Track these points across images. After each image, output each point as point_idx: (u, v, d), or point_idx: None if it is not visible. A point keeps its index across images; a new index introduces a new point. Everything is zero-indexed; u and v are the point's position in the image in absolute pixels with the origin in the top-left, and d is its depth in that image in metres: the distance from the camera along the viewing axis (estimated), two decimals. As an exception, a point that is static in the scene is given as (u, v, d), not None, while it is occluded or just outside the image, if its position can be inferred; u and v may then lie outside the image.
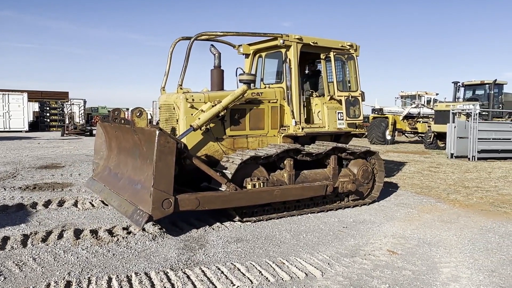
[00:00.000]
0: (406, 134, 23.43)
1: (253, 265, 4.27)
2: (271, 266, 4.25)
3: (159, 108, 6.85)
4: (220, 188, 5.60)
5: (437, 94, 23.97)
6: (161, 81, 6.86)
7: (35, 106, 34.22)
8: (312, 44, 7.02)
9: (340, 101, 7.36)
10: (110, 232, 5.24)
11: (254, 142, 6.76)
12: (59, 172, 10.08)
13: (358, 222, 6.08)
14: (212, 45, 6.98)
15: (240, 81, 6.40)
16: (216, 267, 4.20)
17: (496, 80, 18.80)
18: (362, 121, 7.61)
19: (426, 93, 23.66)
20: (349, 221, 6.12)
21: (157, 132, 4.79)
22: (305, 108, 7.28)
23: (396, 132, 22.55)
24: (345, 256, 4.61)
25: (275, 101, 6.94)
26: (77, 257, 4.38)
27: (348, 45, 7.46)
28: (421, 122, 22.23)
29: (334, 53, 7.27)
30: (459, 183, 9.59)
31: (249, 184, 5.80)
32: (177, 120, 6.20)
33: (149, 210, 4.77)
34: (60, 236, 5.02)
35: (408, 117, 22.48)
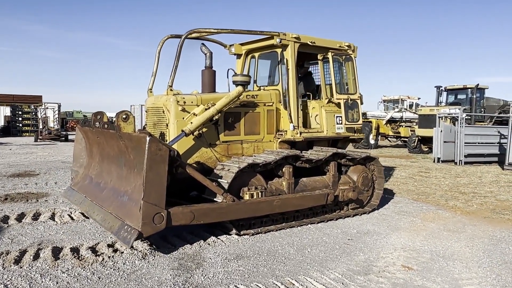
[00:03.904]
0: (389, 138, 23.39)
1: (259, 287, 3.80)
2: (280, 288, 3.79)
3: (146, 111, 6.31)
4: (215, 199, 5.12)
5: (419, 98, 24.10)
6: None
7: (7, 110, 32.72)
8: (310, 43, 6.62)
9: (338, 105, 6.98)
10: (93, 250, 4.66)
11: (249, 148, 6.29)
12: (33, 180, 9.35)
13: (362, 233, 5.68)
14: (203, 43, 6.50)
15: (234, 82, 5.95)
16: (219, 290, 3.71)
17: (478, 84, 18.95)
18: (361, 125, 7.25)
19: (409, 97, 23.74)
20: (352, 232, 5.73)
21: (148, 139, 4.27)
22: (301, 111, 6.86)
23: (379, 136, 22.48)
24: (359, 274, 4.19)
25: (271, 104, 6.51)
26: (57, 282, 3.81)
27: (346, 46, 7.10)
28: (404, 126, 22.23)
29: (332, 54, 6.89)
30: (454, 188, 9.36)
31: (246, 194, 5.33)
32: (167, 125, 5.67)
33: (139, 226, 4.23)
34: (36, 256, 4.41)
35: (391, 121, 22.45)
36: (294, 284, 3.89)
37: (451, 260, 4.66)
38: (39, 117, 27.27)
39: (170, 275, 4.04)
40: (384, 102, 24.73)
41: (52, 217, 6.05)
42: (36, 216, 6.08)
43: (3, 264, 4.18)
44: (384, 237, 5.53)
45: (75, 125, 44.75)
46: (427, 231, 5.84)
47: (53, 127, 26.17)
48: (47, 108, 27.81)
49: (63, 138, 24.38)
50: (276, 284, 3.88)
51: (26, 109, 31.33)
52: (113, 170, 5.37)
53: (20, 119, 31.08)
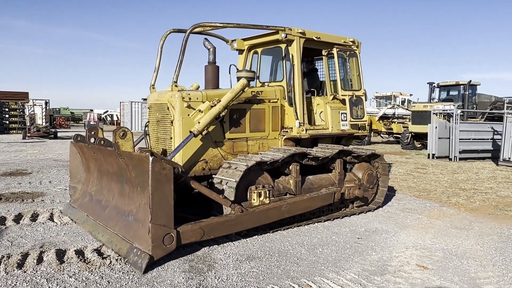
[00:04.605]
0: (381, 134, 23.44)
1: (276, 290, 3.68)
2: (298, 291, 3.68)
3: (148, 108, 6.11)
4: (224, 200, 4.97)
5: (411, 95, 24.19)
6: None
7: (-8, 107, 31.95)
8: (315, 39, 6.49)
9: (343, 101, 6.88)
10: (99, 252, 4.49)
11: (254, 145, 6.16)
12: (27, 179, 9.08)
13: (370, 231, 5.61)
14: (206, 38, 6.32)
15: (239, 78, 5.79)
16: (235, 294, 3.58)
17: (470, 81, 19.06)
18: (365, 122, 7.16)
19: (401, 94, 23.80)
20: (360, 230, 5.65)
21: (151, 158, 4.02)
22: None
23: (372, 132, 22.50)
24: (375, 274, 4.10)
25: (276, 100, 6.37)
26: (64, 287, 3.64)
27: (351, 41, 6.99)
28: (396, 122, 22.30)
29: (337, 49, 6.78)
30: (454, 185, 9.36)
31: (254, 192, 5.21)
32: (172, 122, 5.49)
33: (149, 250, 4.03)
34: (40, 259, 4.23)
35: (384, 117, 22.49)
36: (311, 286, 3.78)
37: (464, 259, 4.61)
38: (27, 114, 26.70)
39: (183, 278, 3.90)
40: (376, 98, 24.77)
41: (51, 218, 5.85)
42: (34, 217, 5.87)
43: (6, 268, 3.99)
44: (393, 235, 5.46)
45: (63, 122, 44.04)
46: (435, 229, 5.79)
47: (42, 124, 25.61)
48: (34, 104, 27.21)
49: (52, 136, 23.90)
50: (293, 286, 3.76)
51: (12, 106, 30.62)
52: (114, 187, 5.09)
53: (6, 116, 30.37)
